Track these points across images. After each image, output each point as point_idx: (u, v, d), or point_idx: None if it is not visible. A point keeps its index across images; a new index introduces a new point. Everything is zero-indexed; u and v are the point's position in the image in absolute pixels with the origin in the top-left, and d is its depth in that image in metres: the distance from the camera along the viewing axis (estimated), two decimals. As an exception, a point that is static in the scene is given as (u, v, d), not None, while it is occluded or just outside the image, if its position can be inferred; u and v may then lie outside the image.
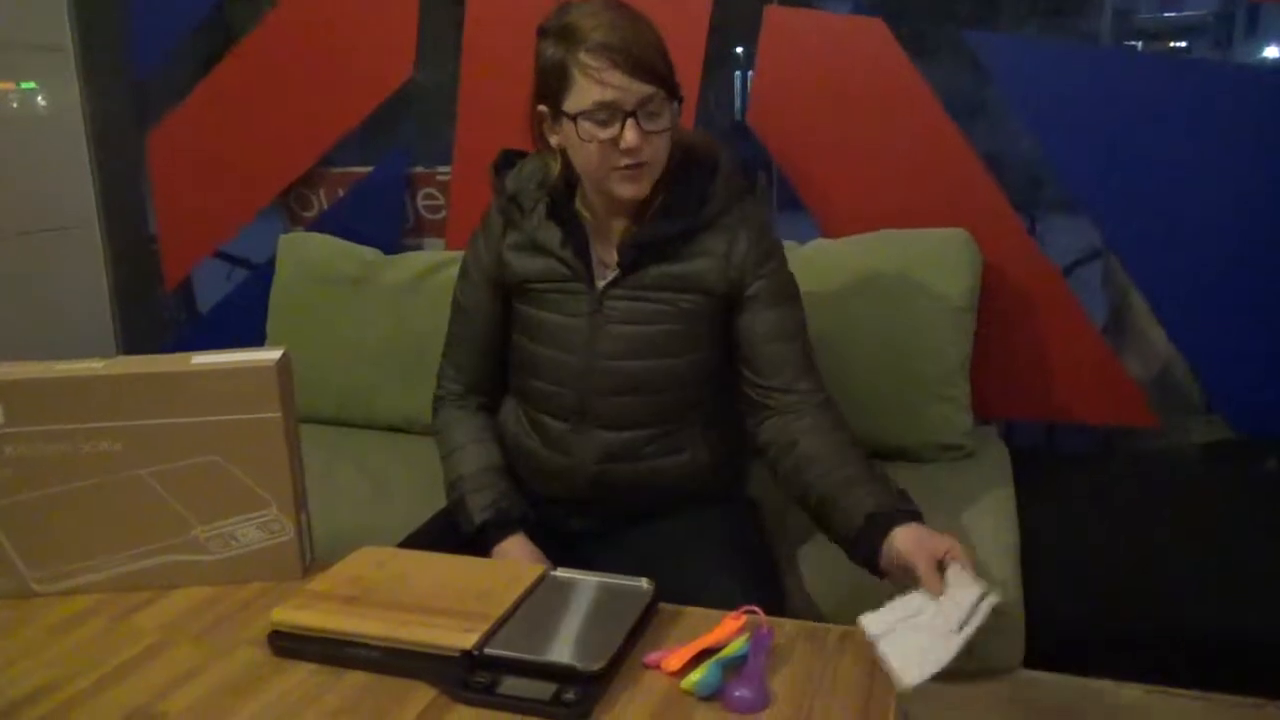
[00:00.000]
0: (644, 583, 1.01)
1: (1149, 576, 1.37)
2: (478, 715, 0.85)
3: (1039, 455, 1.83)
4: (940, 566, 1.01)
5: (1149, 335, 1.95)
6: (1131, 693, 1.27)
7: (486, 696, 0.86)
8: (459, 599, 0.97)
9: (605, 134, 1.14)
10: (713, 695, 0.86)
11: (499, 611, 0.94)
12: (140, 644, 0.98)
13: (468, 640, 0.89)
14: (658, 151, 1.17)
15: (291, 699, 0.88)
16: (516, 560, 1.21)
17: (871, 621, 0.95)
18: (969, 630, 0.95)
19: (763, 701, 0.86)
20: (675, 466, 1.29)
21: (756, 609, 0.96)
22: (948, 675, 1.31)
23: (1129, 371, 1.84)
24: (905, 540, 1.05)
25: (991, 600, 0.98)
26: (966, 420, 1.69)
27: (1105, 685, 1.28)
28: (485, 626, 0.91)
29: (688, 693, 0.87)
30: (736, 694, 0.85)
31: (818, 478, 1.17)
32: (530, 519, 1.28)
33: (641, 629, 0.96)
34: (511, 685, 0.86)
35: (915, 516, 1.09)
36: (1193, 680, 1.25)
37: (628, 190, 1.18)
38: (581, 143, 1.15)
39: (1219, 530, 1.48)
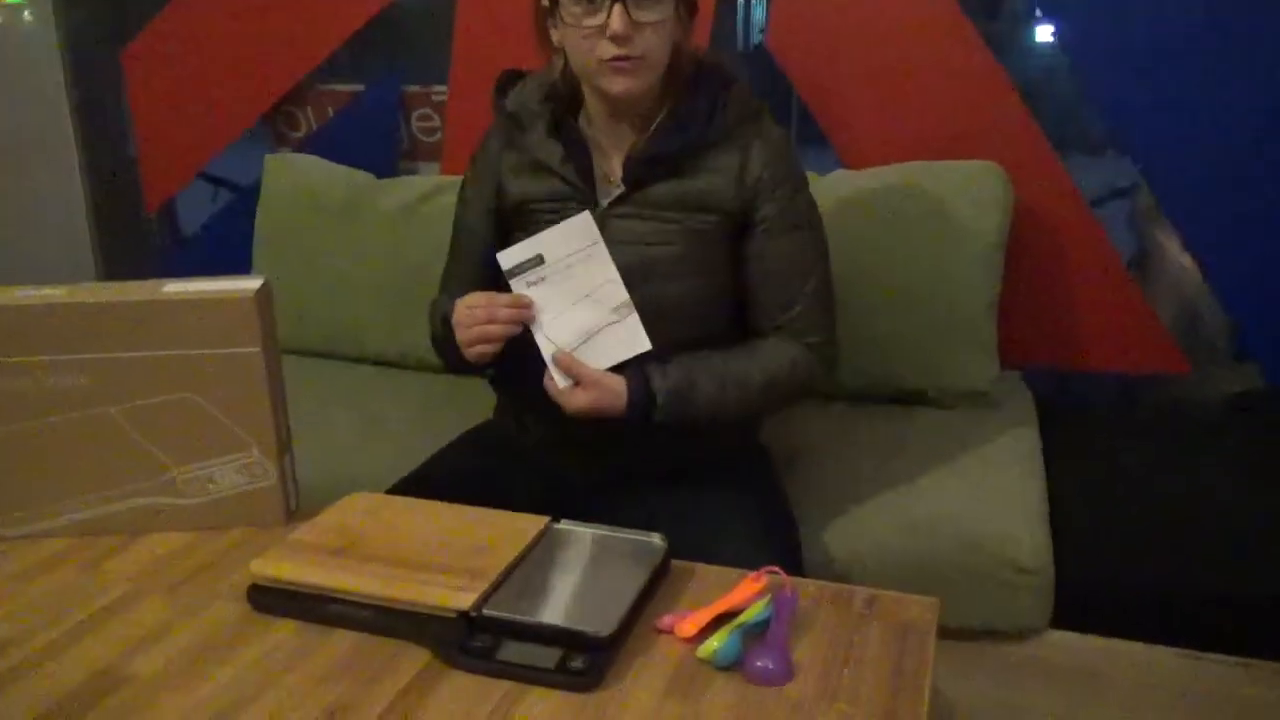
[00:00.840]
0: (655, 538, 0.94)
1: (1181, 533, 1.31)
2: (476, 682, 0.78)
3: (1062, 404, 1.75)
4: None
5: (1180, 279, 1.87)
6: (1164, 656, 1.21)
7: (485, 663, 0.79)
8: (455, 553, 0.90)
9: (591, 20, 1.08)
10: (732, 665, 0.79)
11: (499, 568, 0.87)
12: (109, 595, 0.92)
13: (465, 600, 0.82)
14: (651, 46, 1.10)
15: (271, 661, 0.81)
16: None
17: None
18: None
19: (787, 673, 0.79)
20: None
21: (777, 569, 0.89)
22: (974, 635, 1.27)
23: (1159, 316, 1.76)
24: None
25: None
26: (992, 366, 1.60)
27: (1137, 648, 1.23)
28: (484, 585, 0.85)
29: (705, 661, 0.80)
30: (759, 664, 0.79)
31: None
32: None
33: (653, 589, 0.89)
34: (513, 650, 0.80)
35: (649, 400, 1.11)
36: (1230, 645, 1.19)
37: (618, 85, 1.11)
38: (568, 28, 1.09)
39: (1255, 485, 1.41)
